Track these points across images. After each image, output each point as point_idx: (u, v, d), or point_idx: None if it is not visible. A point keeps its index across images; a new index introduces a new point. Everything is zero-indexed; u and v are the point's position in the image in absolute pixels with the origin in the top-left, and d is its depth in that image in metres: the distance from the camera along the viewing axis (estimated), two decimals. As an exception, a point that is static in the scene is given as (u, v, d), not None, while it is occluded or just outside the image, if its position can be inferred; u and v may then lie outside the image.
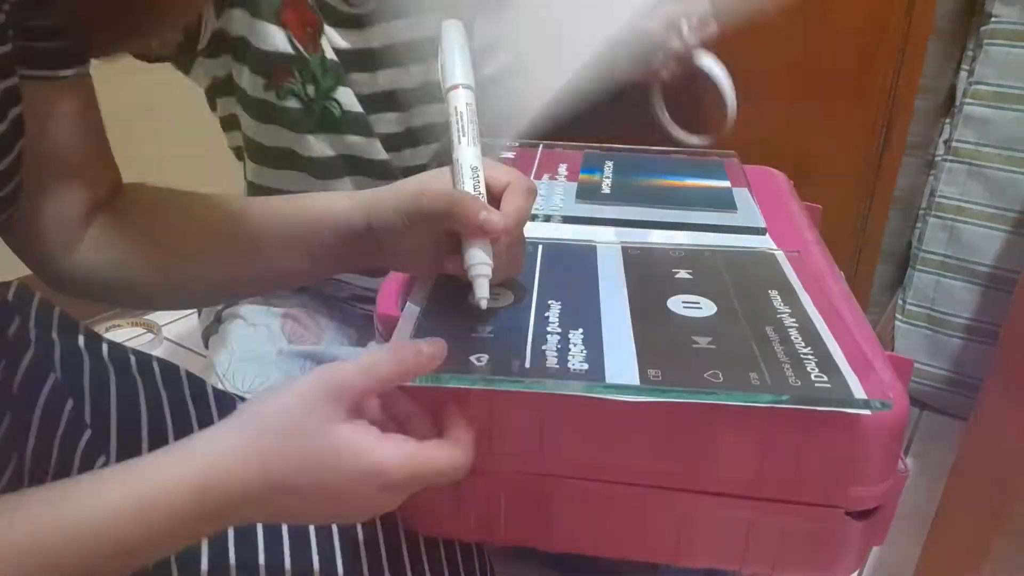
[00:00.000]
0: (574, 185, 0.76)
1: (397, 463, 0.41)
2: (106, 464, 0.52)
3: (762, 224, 0.66)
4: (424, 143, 0.94)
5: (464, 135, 0.50)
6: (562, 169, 0.81)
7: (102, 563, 0.36)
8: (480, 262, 0.48)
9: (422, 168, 0.92)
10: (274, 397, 0.42)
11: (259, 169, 0.92)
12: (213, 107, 0.93)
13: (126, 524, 0.36)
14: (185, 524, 0.38)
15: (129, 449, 0.53)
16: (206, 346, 1.01)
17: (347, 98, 0.88)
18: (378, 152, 0.91)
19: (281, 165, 0.91)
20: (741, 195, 0.73)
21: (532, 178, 0.78)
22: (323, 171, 0.91)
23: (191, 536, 0.40)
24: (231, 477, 0.39)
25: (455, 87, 0.52)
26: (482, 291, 0.48)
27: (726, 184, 0.76)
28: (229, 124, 0.93)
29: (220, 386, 0.89)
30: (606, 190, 0.75)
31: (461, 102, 0.51)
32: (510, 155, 0.88)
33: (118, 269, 0.54)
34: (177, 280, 0.56)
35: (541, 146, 0.90)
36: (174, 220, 0.56)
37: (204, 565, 0.49)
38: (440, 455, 0.42)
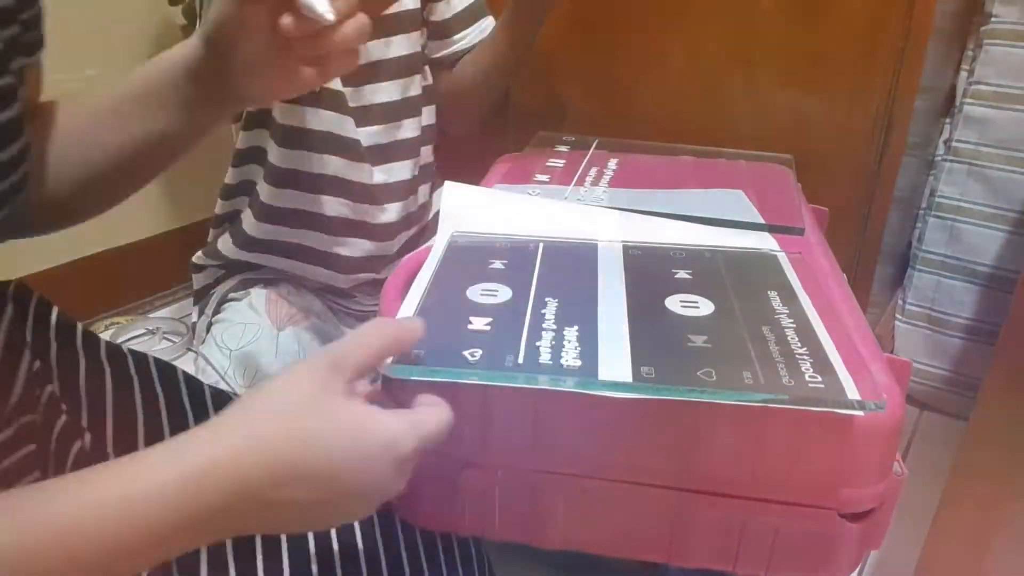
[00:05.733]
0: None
1: (405, 431, 0.40)
2: None
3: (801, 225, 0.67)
4: (395, 119, 1.01)
5: None
6: (611, 164, 0.84)
7: (90, 566, 0.34)
8: None
9: (392, 145, 1.00)
10: (271, 381, 0.40)
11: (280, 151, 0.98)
12: None
13: (111, 523, 0.34)
14: (176, 524, 0.35)
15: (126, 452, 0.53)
16: (197, 356, 1.04)
17: None
18: (351, 130, 0.95)
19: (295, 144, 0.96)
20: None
21: (578, 175, 0.80)
22: (294, 142, 0.96)
23: (183, 541, 0.37)
24: (226, 470, 0.36)
25: None
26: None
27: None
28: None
29: (221, 386, 0.91)
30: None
31: None
32: (563, 148, 0.91)
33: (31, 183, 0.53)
34: (75, 172, 0.55)
35: (595, 143, 0.92)
36: (56, 118, 0.55)
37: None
38: (432, 415, 0.42)
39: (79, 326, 0.58)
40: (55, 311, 0.57)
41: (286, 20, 0.48)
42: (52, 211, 0.56)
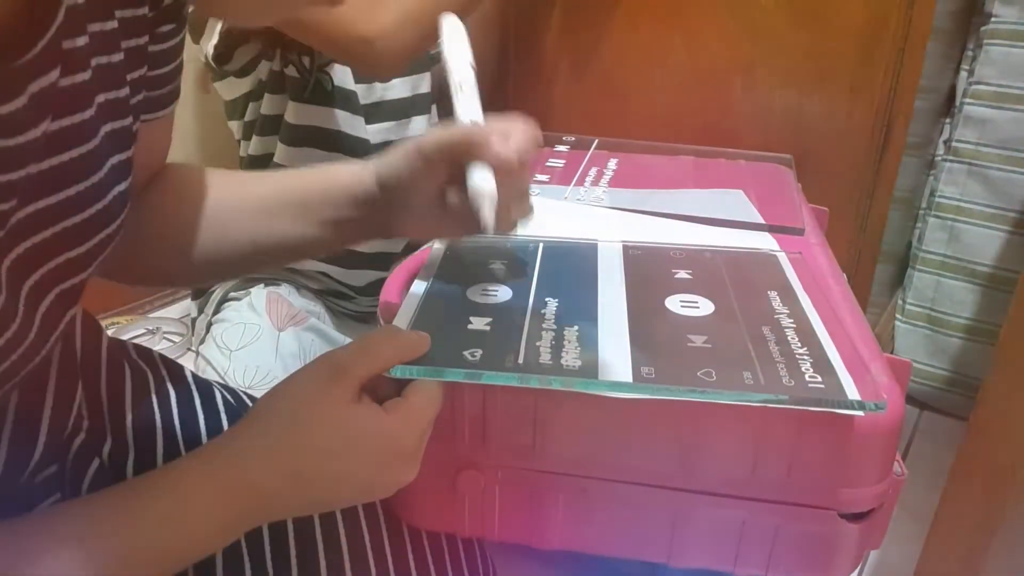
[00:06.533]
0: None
1: (406, 429, 0.42)
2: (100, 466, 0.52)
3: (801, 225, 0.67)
4: (405, 116, 1.01)
5: (461, 91, 0.49)
6: (611, 164, 0.84)
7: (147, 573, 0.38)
8: (485, 181, 0.46)
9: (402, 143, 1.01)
10: (281, 392, 0.42)
11: (285, 148, 0.98)
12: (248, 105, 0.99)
13: (169, 535, 0.38)
14: (220, 530, 0.40)
15: (144, 448, 0.54)
16: (197, 355, 1.03)
17: (341, 75, 0.94)
18: (360, 129, 0.96)
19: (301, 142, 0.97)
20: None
21: (578, 175, 0.80)
22: (303, 140, 0.96)
23: (228, 539, 0.41)
24: (255, 485, 0.40)
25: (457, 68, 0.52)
26: (487, 214, 0.45)
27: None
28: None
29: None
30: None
31: (459, 67, 0.50)
32: (563, 148, 0.91)
33: (147, 244, 0.54)
34: (200, 251, 0.56)
35: (595, 143, 0.92)
36: (196, 193, 0.56)
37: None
38: (425, 400, 0.44)
39: (105, 331, 0.59)
40: (80, 313, 0.57)
41: (452, 199, 0.49)
42: (159, 275, 0.59)
